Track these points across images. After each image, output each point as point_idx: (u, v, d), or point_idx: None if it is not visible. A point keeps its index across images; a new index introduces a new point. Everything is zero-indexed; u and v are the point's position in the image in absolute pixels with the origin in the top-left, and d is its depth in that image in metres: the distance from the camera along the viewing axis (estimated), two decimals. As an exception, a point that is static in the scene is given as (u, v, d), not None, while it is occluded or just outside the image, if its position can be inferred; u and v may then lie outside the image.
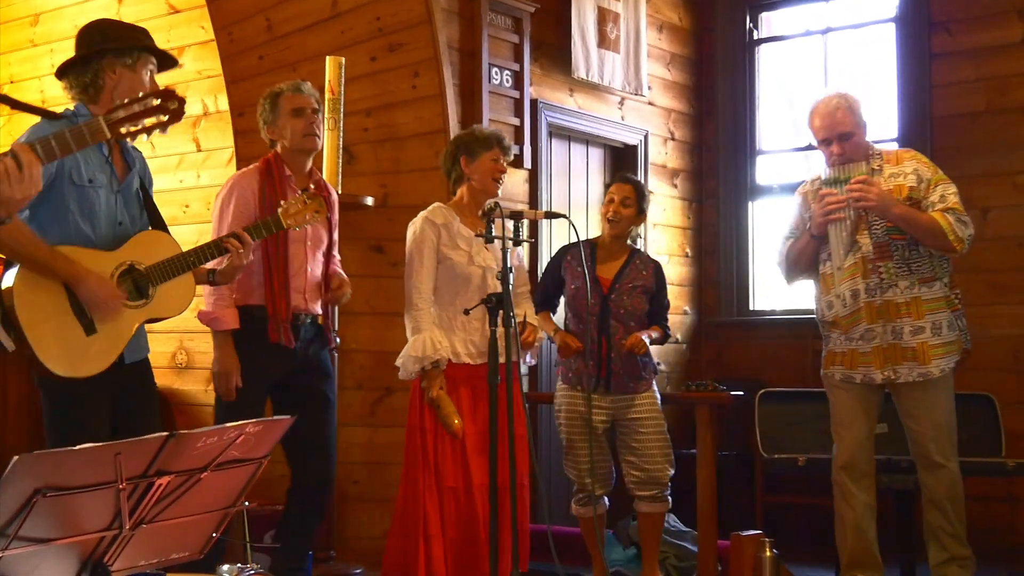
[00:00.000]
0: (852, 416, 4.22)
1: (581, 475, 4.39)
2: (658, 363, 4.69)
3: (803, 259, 4.29)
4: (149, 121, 2.66)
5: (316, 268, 4.04)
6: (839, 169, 4.17)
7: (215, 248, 3.44)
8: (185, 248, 3.41)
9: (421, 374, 3.98)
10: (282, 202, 3.69)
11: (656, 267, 4.62)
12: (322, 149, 4.35)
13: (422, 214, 4.12)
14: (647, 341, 4.40)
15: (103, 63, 3.30)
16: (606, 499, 4.53)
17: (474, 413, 3.99)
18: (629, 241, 4.61)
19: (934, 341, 4.12)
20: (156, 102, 2.66)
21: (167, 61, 3.47)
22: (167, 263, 3.29)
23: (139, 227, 3.39)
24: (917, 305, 4.13)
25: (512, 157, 4.32)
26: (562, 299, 4.60)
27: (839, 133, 4.15)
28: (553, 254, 4.73)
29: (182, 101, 2.70)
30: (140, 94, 2.69)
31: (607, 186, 4.66)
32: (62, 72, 3.37)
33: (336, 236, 4.17)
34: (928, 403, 4.16)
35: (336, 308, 4.54)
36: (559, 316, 4.65)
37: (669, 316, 4.68)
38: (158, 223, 3.47)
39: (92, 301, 3.15)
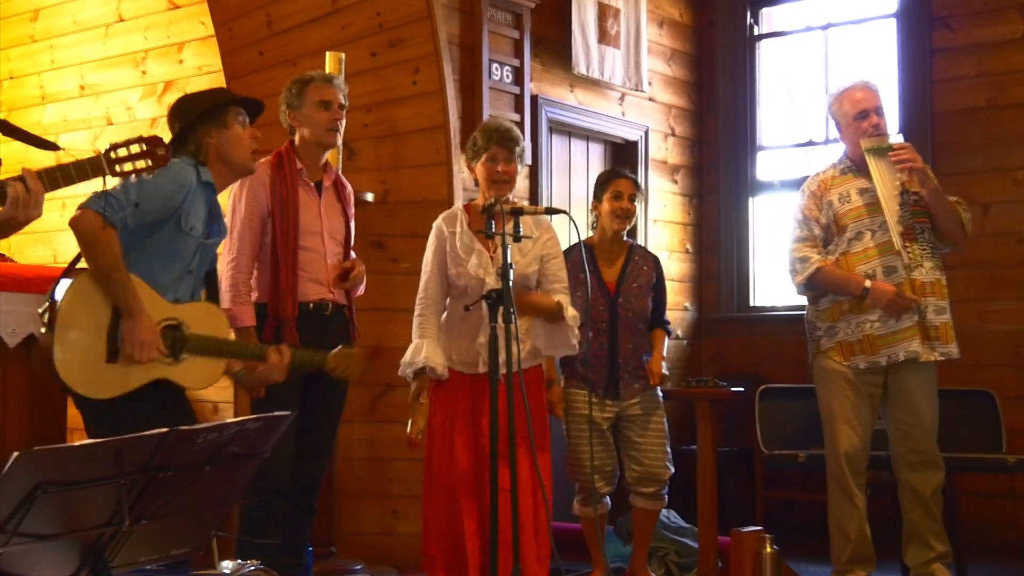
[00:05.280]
0: (856, 412, 4.22)
1: (585, 476, 4.37)
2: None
3: (834, 289, 4.24)
4: (140, 164, 2.85)
5: (336, 259, 4.00)
6: (880, 140, 4.22)
7: (258, 351, 3.48)
8: None
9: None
10: (340, 346, 3.69)
11: (655, 260, 4.61)
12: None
13: (441, 216, 4.03)
14: (665, 369, 4.46)
15: (198, 132, 3.46)
16: (608, 498, 4.52)
17: (472, 418, 3.93)
18: (625, 236, 4.60)
19: (953, 323, 4.21)
20: (146, 147, 2.85)
21: (254, 106, 3.59)
22: (211, 341, 3.34)
23: (201, 277, 3.45)
24: (939, 287, 4.21)
25: (521, 151, 3.96)
26: None
27: (877, 106, 4.25)
28: None
29: (168, 148, 2.90)
30: (141, 138, 2.85)
31: (604, 182, 4.55)
32: (174, 151, 3.44)
33: (352, 229, 4.12)
34: (929, 396, 4.21)
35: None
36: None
37: (669, 313, 4.67)
38: (212, 292, 3.53)
39: (131, 339, 3.19)
